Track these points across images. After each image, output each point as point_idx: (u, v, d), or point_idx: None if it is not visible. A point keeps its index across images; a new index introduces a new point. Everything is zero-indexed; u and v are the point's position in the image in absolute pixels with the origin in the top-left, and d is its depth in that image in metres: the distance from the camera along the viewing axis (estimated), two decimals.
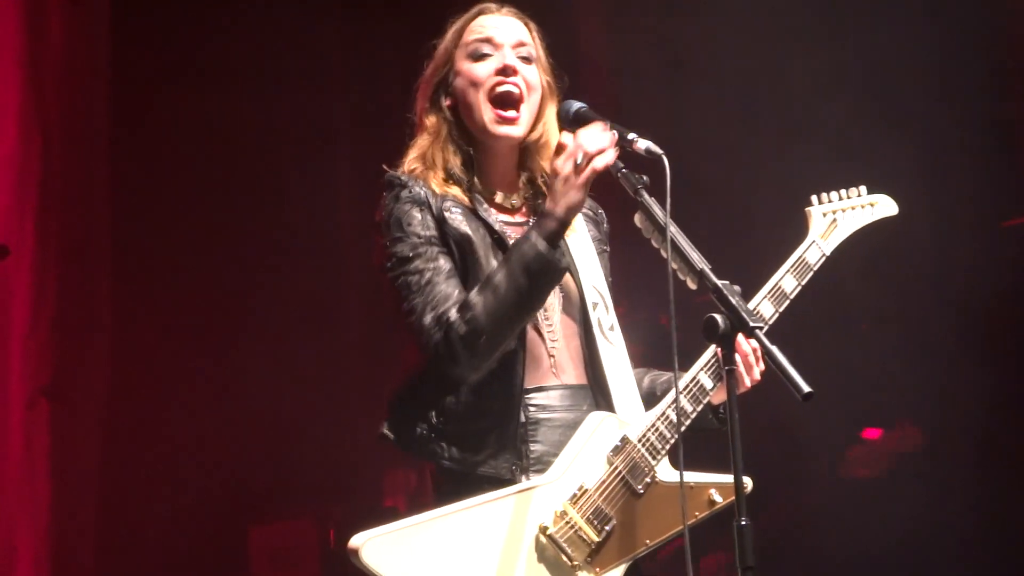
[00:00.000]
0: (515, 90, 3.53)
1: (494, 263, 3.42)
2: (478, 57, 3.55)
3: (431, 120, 3.58)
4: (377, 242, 3.49)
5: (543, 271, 3.30)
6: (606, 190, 3.54)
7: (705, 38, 6.55)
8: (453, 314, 3.31)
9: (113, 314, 6.16)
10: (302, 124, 6.90)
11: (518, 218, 3.60)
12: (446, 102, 3.59)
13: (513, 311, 3.31)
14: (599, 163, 3.29)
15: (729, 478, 3.09)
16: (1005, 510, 6.27)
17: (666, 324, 3.16)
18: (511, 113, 3.53)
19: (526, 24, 3.63)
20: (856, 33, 6.57)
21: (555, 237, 3.32)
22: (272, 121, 6.75)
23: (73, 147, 6.04)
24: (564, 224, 3.33)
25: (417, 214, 3.45)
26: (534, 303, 3.36)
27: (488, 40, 3.56)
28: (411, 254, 3.42)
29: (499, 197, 3.59)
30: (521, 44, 3.58)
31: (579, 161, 3.28)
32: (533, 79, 3.56)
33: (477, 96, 3.53)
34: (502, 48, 3.56)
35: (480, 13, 3.62)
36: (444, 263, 3.41)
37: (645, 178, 3.34)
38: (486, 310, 3.29)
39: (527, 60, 3.57)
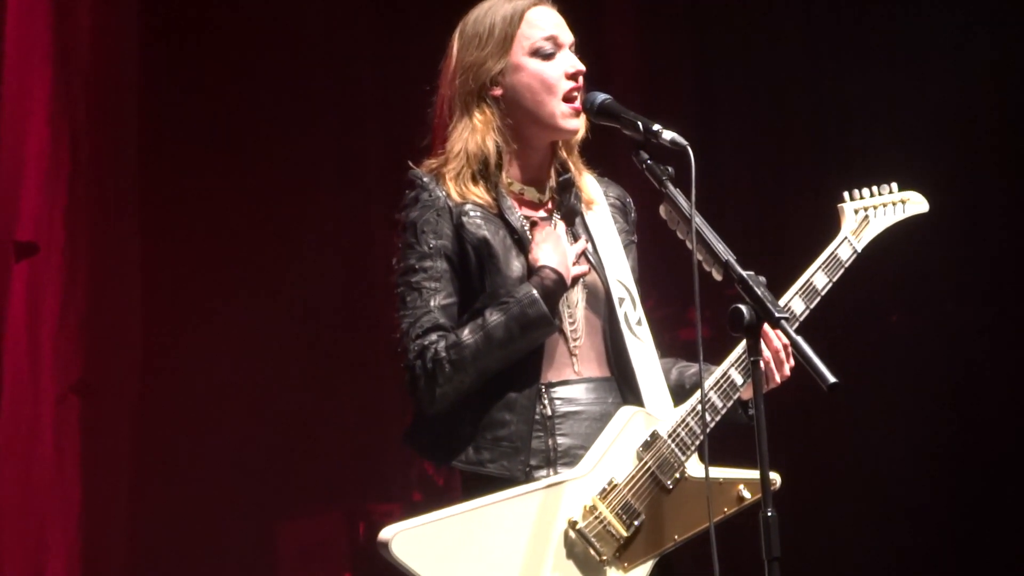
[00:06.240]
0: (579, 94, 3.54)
1: (515, 264, 3.44)
2: (545, 56, 3.51)
3: (478, 109, 3.52)
4: (394, 240, 3.50)
5: (539, 326, 3.37)
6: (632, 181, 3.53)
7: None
8: (441, 349, 3.35)
9: (143, 311, 6.18)
10: (333, 112, 6.89)
11: (542, 213, 3.57)
12: (494, 91, 3.53)
13: (496, 363, 3.37)
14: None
15: (757, 474, 3.06)
16: None
17: (693, 318, 3.15)
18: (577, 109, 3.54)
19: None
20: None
21: (556, 297, 3.41)
22: (303, 113, 6.74)
23: (102, 143, 6.05)
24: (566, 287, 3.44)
25: (433, 219, 3.45)
26: (520, 353, 3.41)
27: (553, 39, 3.52)
28: (416, 266, 3.43)
29: (527, 192, 3.57)
30: (574, 43, 3.56)
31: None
32: (581, 80, 3.55)
33: (549, 97, 3.48)
34: (564, 48, 3.53)
35: (534, 4, 3.56)
36: (444, 284, 3.42)
37: (671, 169, 3.34)
38: (475, 354, 3.35)
39: None
